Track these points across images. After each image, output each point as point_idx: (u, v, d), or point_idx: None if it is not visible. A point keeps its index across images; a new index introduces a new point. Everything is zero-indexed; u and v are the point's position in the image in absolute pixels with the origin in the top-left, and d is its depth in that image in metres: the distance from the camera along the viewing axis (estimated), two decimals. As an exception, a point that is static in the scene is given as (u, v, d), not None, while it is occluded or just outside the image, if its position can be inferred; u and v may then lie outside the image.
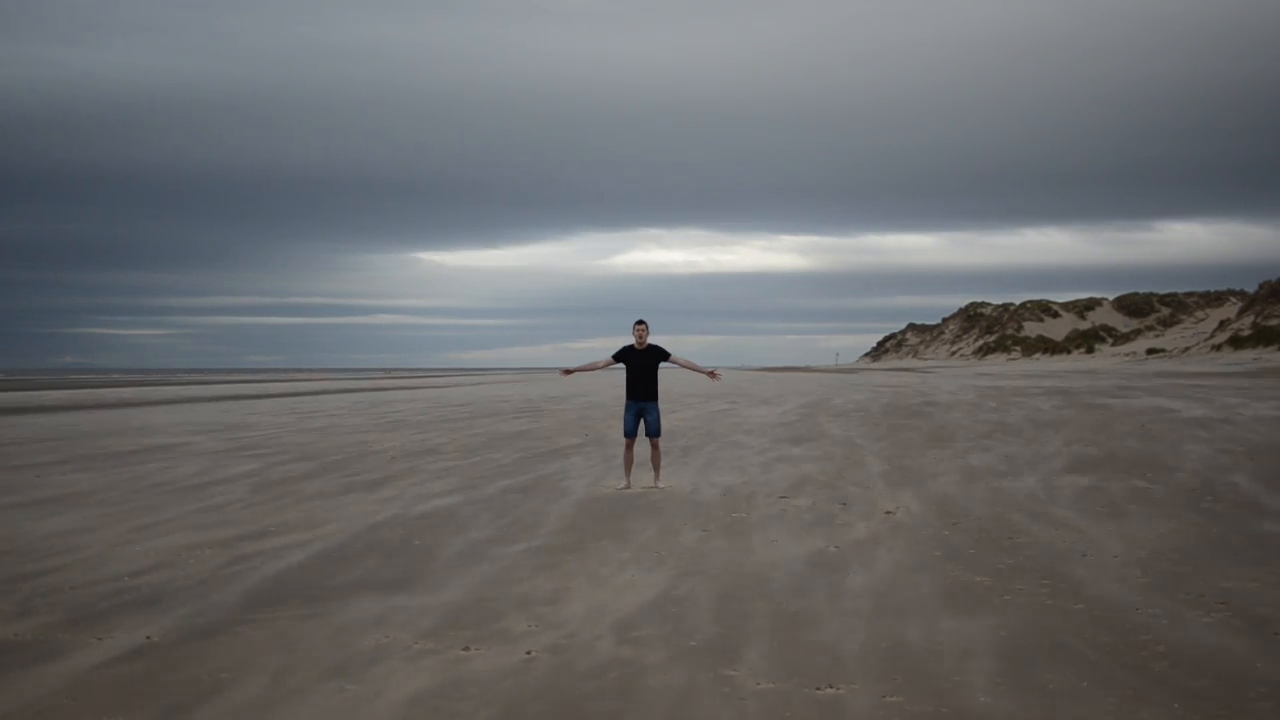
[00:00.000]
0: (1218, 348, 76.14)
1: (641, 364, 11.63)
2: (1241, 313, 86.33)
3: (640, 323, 11.59)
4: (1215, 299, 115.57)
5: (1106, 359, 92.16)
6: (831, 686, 4.97)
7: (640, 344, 11.61)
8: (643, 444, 12.81)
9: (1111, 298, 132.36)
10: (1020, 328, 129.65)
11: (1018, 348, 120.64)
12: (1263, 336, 71.27)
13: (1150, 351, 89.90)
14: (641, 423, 11.74)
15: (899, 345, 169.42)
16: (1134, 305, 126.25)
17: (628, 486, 11.63)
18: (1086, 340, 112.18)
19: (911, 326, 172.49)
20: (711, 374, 12.15)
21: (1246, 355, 66.63)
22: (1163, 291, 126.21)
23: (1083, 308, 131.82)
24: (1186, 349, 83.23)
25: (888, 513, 9.68)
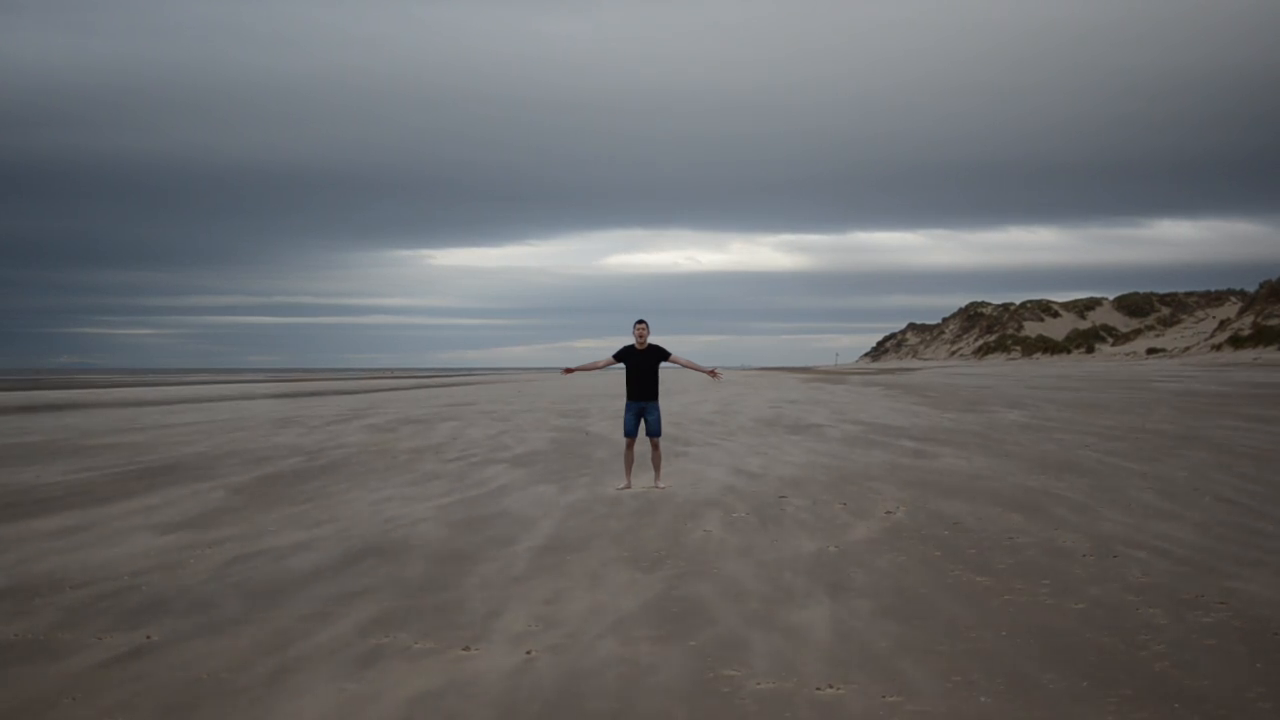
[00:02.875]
0: (1218, 347, 76.12)
1: (642, 364, 11.63)
2: (1241, 312, 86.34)
3: (640, 322, 11.59)
4: (1215, 299, 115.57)
5: (1107, 358, 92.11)
6: (831, 686, 4.97)
7: (641, 344, 11.61)
8: (643, 444, 12.82)
9: (1112, 297, 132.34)
10: (1020, 327, 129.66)
11: (1018, 347, 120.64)
12: (1263, 336, 71.26)
13: (1150, 351, 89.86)
14: (642, 422, 11.74)
15: (899, 345, 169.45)
16: (1134, 305, 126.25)
17: (628, 486, 11.63)
18: (1086, 340, 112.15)
19: (912, 326, 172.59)
20: (712, 373, 12.15)
21: (1247, 354, 66.59)
22: (1163, 291, 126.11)
23: (1083, 307, 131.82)
24: (1187, 348, 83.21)
25: (887, 512, 9.68)
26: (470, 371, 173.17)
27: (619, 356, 11.72)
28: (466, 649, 5.65)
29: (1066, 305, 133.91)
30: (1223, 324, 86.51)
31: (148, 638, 5.94)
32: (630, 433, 11.67)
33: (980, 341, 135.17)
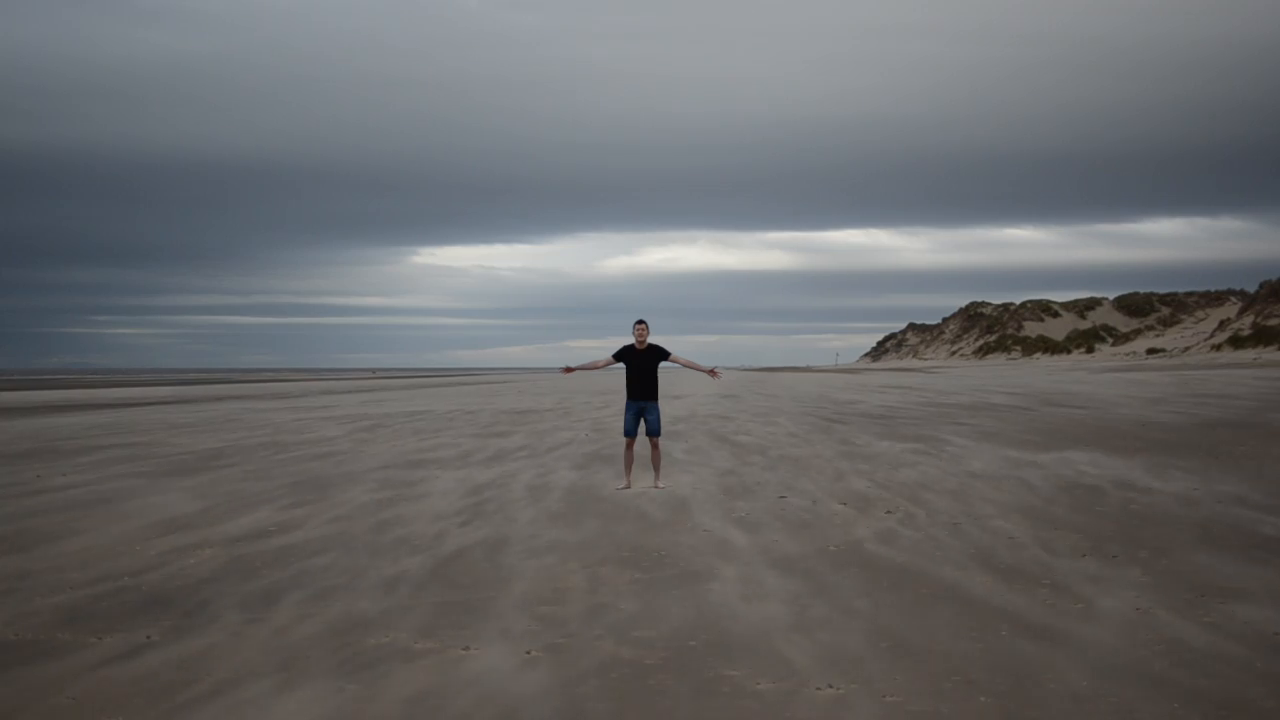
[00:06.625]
0: (1218, 347, 76.09)
1: (642, 364, 11.62)
2: (1241, 312, 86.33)
3: (640, 322, 11.58)
4: (1215, 299, 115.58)
5: (1107, 358, 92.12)
6: (831, 686, 4.97)
7: (640, 344, 11.61)
8: (643, 444, 12.82)
9: (1112, 297, 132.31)
10: (1020, 327, 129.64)
11: (1018, 347, 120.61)
12: (1263, 336, 71.21)
13: (1150, 351, 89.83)
14: (642, 422, 11.74)
15: (899, 345, 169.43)
16: (1134, 305, 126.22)
17: (628, 486, 11.62)
18: (1086, 340, 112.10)
19: (912, 326, 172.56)
20: (712, 372, 12.14)
21: (1247, 355, 66.57)
22: (1163, 291, 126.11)
23: (1083, 307, 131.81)
24: (1187, 349, 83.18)
25: (887, 512, 9.68)
26: (467, 372, 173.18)
27: (619, 356, 11.72)
28: (466, 649, 5.64)
29: (1066, 305, 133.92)
30: (1223, 324, 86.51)
31: (148, 638, 5.94)
32: (630, 433, 11.66)
33: (980, 341, 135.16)
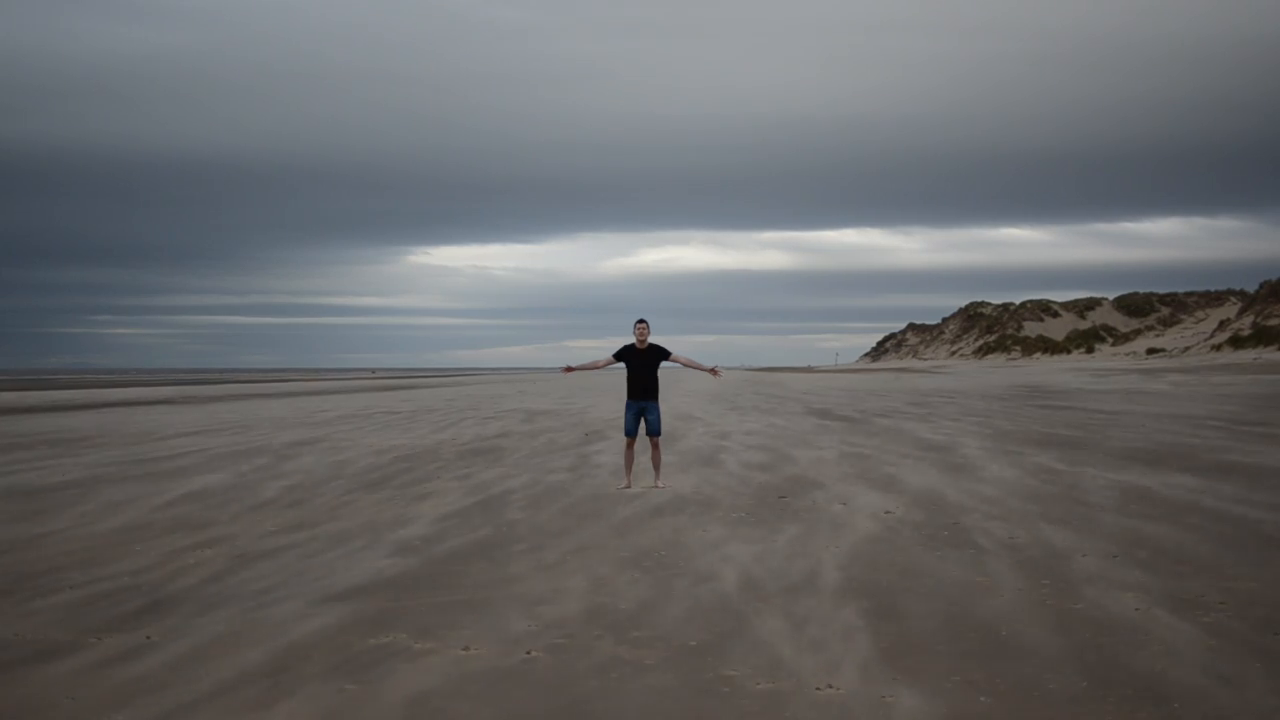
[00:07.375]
0: (1218, 347, 76.10)
1: (642, 363, 11.62)
2: (1241, 312, 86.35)
3: (641, 322, 11.58)
4: (1215, 299, 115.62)
5: (1107, 358, 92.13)
6: (831, 686, 4.97)
7: (641, 343, 11.60)
8: (643, 444, 12.82)
9: (1112, 297, 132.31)
10: (1020, 327, 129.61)
11: (1018, 347, 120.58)
12: (1262, 336, 71.24)
13: (1150, 351, 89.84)
14: (642, 422, 11.73)
15: (899, 345, 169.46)
16: (1134, 305, 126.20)
17: (628, 486, 11.62)
18: (1086, 340, 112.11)
19: (912, 326, 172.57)
20: (713, 371, 12.15)
21: (1247, 355, 66.60)
22: (1162, 291, 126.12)
23: (1083, 307, 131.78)
24: (1186, 349, 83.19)
25: (887, 512, 9.68)
26: (466, 371, 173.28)
27: (619, 356, 11.71)
28: (466, 649, 5.64)
29: (1066, 305, 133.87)
30: (1222, 324, 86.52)
31: (147, 638, 5.94)
32: (630, 432, 11.66)
33: (980, 341, 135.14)
